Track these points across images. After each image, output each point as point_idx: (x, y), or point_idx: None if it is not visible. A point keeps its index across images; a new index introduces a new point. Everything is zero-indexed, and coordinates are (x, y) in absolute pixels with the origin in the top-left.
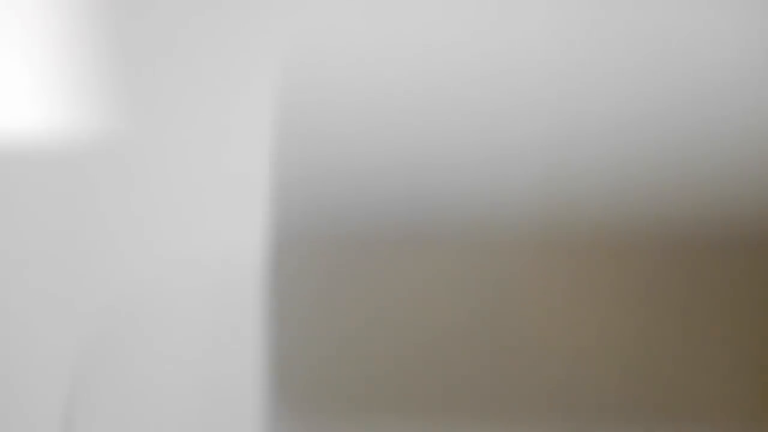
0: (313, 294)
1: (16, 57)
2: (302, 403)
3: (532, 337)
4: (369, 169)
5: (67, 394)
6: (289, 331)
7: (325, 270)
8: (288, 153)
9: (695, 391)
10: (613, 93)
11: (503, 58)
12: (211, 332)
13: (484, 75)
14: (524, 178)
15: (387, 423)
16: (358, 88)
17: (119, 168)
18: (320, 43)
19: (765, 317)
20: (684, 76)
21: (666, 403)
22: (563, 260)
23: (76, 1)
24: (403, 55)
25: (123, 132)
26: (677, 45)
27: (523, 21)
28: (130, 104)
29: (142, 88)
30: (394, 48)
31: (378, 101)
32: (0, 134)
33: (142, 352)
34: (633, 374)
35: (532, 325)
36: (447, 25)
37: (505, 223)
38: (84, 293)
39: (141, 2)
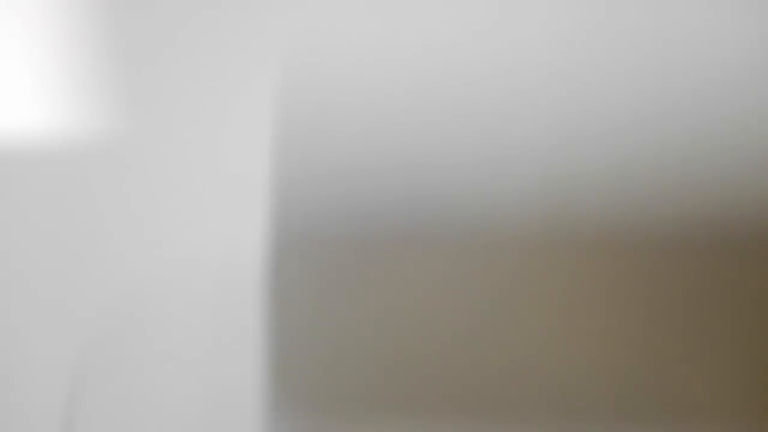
0: (313, 294)
1: (16, 57)
2: (302, 403)
3: (533, 338)
4: (369, 170)
5: (67, 394)
6: (289, 331)
7: (325, 270)
8: (288, 153)
9: (696, 392)
10: (613, 93)
11: (504, 58)
12: (211, 332)
13: (484, 75)
14: (525, 178)
15: (387, 423)
16: (358, 88)
17: (119, 168)
18: (320, 43)
19: (765, 318)
20: (684, 76)
21: (667, 404)
22: (564, 261)
23: (76, 1)
24: (404, 55)
25: (123, 132)
26: (677, 45)
27: (523, 21)
28: (130, 104)
29: (142, 88)
30: (395, 48)
31: (378, 101)
32: (0, 134)
33: (142, 352)
34: (633, 374)
35: (533, 325)
36: (447, 25)
37: (505, 224)
38: (84, 293)
39: (141, 2)
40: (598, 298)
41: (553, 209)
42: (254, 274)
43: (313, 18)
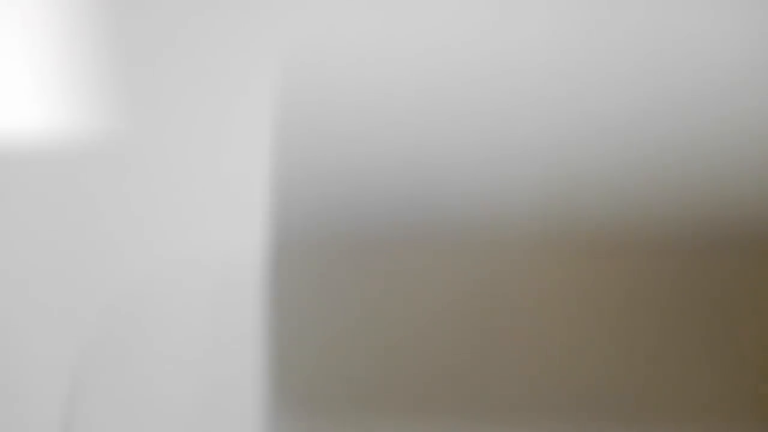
0: (313, 294)
1: (17, 57)
2: (302, 403)
3: (533, 338)
4: (369, 169)
5: (67, 394)
6: (289, 331)
7: (325, 270)
8: (288, 153)
9: (694, 391)
10: (613, 93)
11: (504, 58)
12: (211, 332)
13: (484, 75)
14: (525, 178)
15: (387, 423)
16: (358, 88)
17: (119, 168)
18: (320, 43)
19: (765, 318)
20: (684, 76)
21: (666, 404)
22: (564, 261)
23: (76, 1)
24: (404, 55)
25: (123, 132)
26: (677, 45)
27: (523, 21)
28: (130, 104)
29: (142, 88)
30: (395, 48)
31: (378, 101)
32: (0, 134)
33: (142, 352)
34: (633, 374)
35: (533, 325)
36: (447, 25)
37: (505, 224)
38: (83, 293)
39: (141, 2)
40: (598, 298)
41: (553, 209)
42: (254, 274)
43: (313, 18)
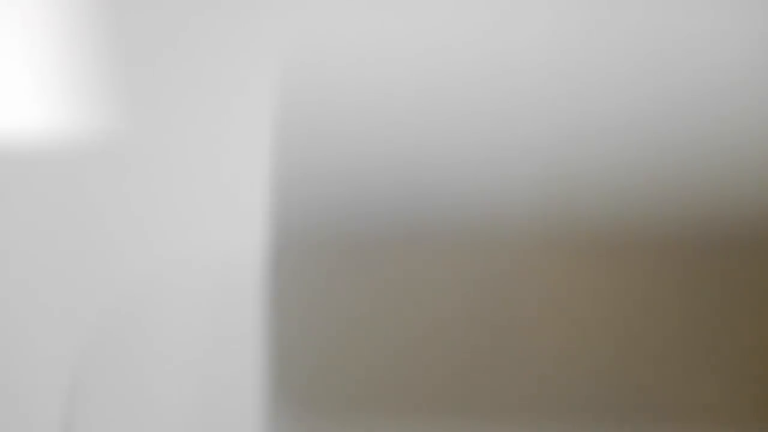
0: (313, 294)
1: (17, 57)
2: (302, 403)
3: (534, 338)
4: (369, 170)
5: (67, 394)
6: (289, 331)
7: (324, 270)
8: (288, 153)
9: (694, 391)
10: (614, 93)
11: (504, 58)
12: (211, 332)
13: (484, 75)
14: (525, 178)
15: (387, 423)
16: (358, 88)
17: (119, 168)
18: (320, 43)
19: (765, 317)
20: (684, 76)
21: (667, 404)
22: (564, 260)
23: (76, 1)
24: (404, 55)
25: (123, 132)
26: (678, 45)
27: (523, 21)
28: (130, 104)
29: (142, 88)
30: (395, 48)
31: (378, 101)
32: (0, 134)
33: (141, 352)
34: (633, 374)
35: (533, 325)
36: (447, 25)
37: (505, 224)
38: (83, 293)
39: (141, 2)
40: (598, 298)
41: (553, 209)
42: (254, 274)
43: (313, 18)
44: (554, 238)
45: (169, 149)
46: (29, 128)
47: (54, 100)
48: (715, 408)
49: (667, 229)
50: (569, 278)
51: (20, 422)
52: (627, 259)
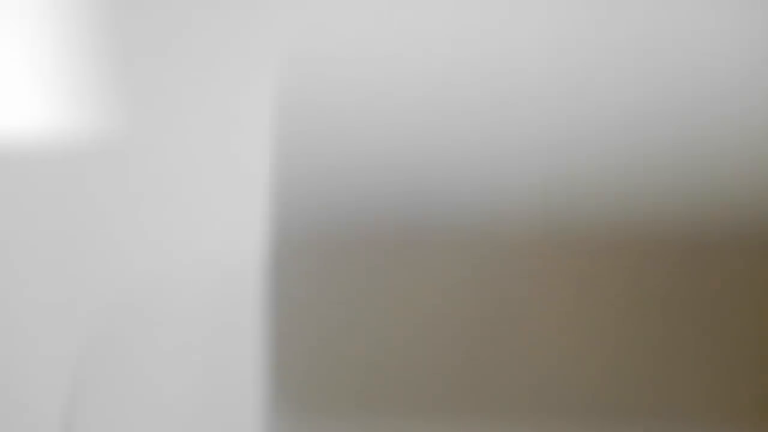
0: (313, 294)
1: (16, 57)
2: (302, 403)
3: (534, 337)
4: (369, 169)
5: (68, 393)
6: (289, 330)
7: (325, 269)
8: (288, 153)
9: (694, 391)
10: (614, 93)
11: (504, 58)
12: (212, 331)
13: (484, 75)
14: (525, 178)
15: (387, 423)
16: (357, 87)
17: (120, 168)
18: (320, 43)
19: (765, 317)
20: (684, 76)
21: (667, 404)
22: (564, 260)
23: (76, 1)
24: (404, 55)
25: (123, 132)
26: (678, 45)
27: (523, 21)
28: (130, 104)
29: (142, 87)
30: (395, 48)
31: (378, 101)
32: (0, 134)
33: (142, 352)
34: (633, 374)
35: (533, 324)
36: (447, 25)
37: (505, 223)
38: (84, 293)
39: (141, 2)
40: (598, 297)
41: (554, 208)
42: (254, 274)
43: (312, 18)
44: (554, 238)
45: (170, 148)
46: (30, 128)
47: (54, 100)
48: (716, 407)
49: (667, 228)
50: (569, 278)
51: (21, 420)
52: (627, 258)
